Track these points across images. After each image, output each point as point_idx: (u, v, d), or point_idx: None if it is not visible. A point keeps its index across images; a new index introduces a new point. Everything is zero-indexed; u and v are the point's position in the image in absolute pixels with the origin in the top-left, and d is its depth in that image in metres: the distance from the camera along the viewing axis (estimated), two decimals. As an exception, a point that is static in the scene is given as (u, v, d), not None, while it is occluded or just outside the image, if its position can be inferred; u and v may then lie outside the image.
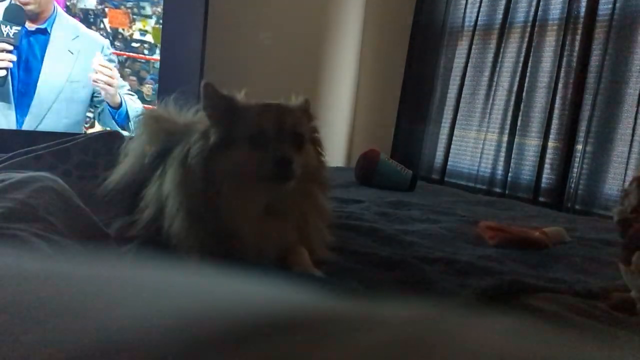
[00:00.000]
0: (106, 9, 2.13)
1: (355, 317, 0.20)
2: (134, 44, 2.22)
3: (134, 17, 2.20)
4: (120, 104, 2.12)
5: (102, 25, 2.12)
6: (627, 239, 0.82)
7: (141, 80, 2.25)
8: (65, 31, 2.00)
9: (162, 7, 2.21)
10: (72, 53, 2.01)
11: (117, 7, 2.16)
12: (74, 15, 2.07)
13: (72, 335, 0.19)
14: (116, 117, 2.11)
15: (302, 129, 0.95)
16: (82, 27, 2.06)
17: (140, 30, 2.21)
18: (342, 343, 0.18)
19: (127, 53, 2.20)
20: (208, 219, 0.90)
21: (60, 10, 2.00)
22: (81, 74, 2.04)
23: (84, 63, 2.05)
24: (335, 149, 3.05)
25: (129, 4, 2.17)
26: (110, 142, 1.33)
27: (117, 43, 2.18)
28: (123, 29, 2.18)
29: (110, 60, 2.13)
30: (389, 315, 0.20)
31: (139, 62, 2.23)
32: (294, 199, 0.95)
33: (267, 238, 0.92)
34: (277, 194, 0.93)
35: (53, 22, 1.97)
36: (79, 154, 1.26)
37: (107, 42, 2.13)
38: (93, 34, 2.09)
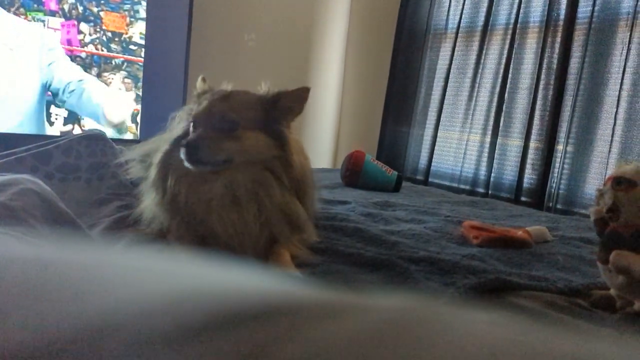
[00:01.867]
0: (102, 12, 2.10)
1: (332, 304, 0.20)
2: (132, 47, 2.19)
3: (131, 19, 2.17)
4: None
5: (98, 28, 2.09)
6: (603, 239, 0.84)
7: (137, 83, 2.23)
8: (5, 28, 1.91)
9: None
10: (11, 50, 1.93)
11: (114, 10, 2.13)
12: (69, 19, 2.02)
13: (53, 320, 0.19)
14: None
15: (232, 115, 0.93)
16: (24, 22, 1.96)
17: (141, 34, 2.19)
18: (317, 329, 0.18)
19: (123, 56, 2.17)
20: (174, 208, 0.95)
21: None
22: (23, 71, 1.95)
23: (24, 59, 1.95)
24: (321, 151, 3.06)
25: (126, 7, 2.15)
26: (93, 144, 1.32)
27: (114, 46, 2.14)
28: (121, 32, 2.15)
29: (50, 49, 2.01)
30: (368, 304, 0.20)
31: (137, 64, 2.21)
32: (248, 186, 0.95)
33: (229, 226, 0.93)
34: (227, 180, 0.93)
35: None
36: (61, 156, 1.25)
37: (50, 32, 2.00)
38: (34, 27, 1.98)
